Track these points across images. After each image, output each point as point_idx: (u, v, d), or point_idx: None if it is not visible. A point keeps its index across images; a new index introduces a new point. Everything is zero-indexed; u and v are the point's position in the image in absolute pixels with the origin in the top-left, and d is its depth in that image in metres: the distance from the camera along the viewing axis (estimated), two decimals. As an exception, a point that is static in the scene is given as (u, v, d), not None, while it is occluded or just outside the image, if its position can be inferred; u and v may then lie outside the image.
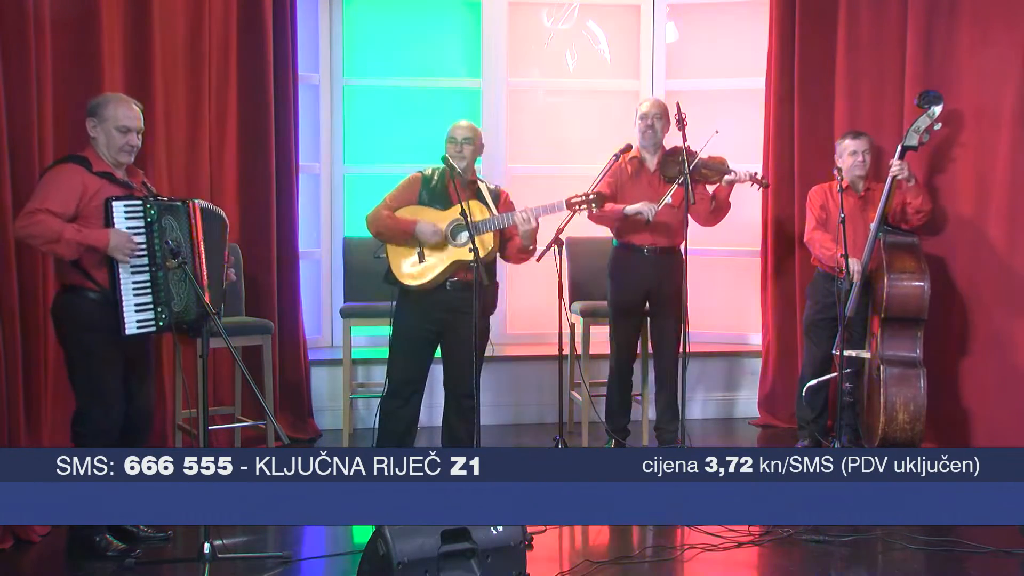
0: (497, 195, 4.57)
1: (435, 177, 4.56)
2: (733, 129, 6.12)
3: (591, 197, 4.60)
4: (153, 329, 3.76)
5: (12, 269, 3.92)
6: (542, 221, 4.52)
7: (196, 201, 3.93)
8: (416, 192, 4.55)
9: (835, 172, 5.08)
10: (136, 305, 3.70)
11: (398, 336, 4.54)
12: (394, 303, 4.56)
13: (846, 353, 4.96)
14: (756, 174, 5.11)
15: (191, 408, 4.93)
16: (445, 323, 4.48)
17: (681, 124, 4.92)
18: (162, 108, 4.88)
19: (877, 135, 5.44)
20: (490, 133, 6.36)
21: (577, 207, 4.62)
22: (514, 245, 4.59)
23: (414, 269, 4.45)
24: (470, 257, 4.30)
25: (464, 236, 4.40)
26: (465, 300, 4.43)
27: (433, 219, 4.46)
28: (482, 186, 4.52)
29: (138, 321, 3.71)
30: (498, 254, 4.60)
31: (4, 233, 3.89)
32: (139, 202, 3.72)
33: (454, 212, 4.44)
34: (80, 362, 3.77)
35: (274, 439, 4.95)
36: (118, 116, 3.76)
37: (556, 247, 4.91)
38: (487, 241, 4.41)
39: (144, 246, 3.71)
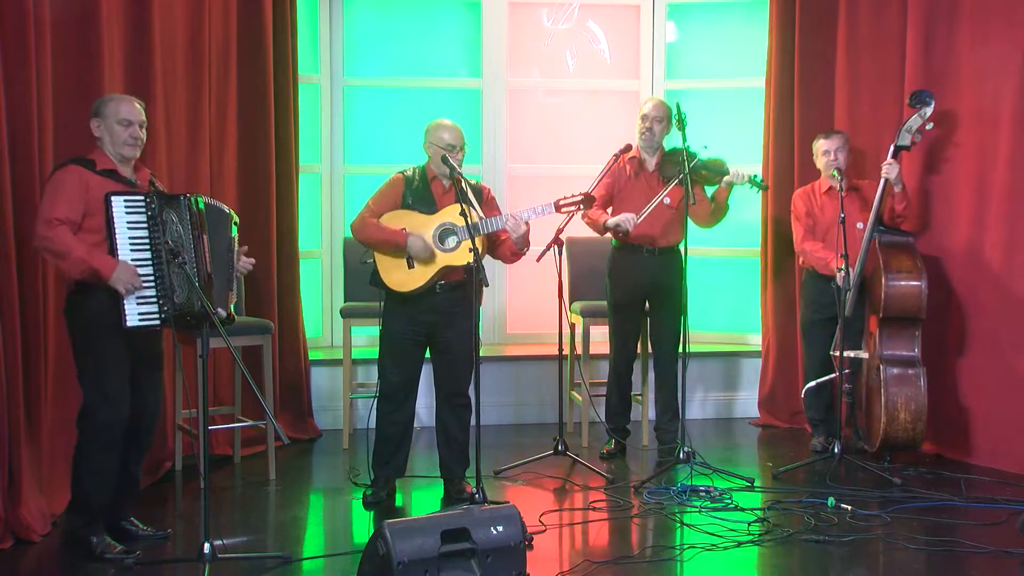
0: (479, 192, 4.50)
1: (416, 178, 4.51)
2: (733, 129, 6.13)
3: (580, 198, 4.58)
4: (156, 322, 3.77)
5: (12, 269, 3.92)
6: (538, 221, 4.52)
7: (199, 196, 3.94)
8: (399, 194, 4.48)
9: (835, 175, 5.09)
10: (139, 298, 3.72)
11: (388, 340, 4.51)
12: (382, 304, 4.54)
13: (844, 354, 4.96)
14: (755, 176, 5.10)
15: (191, 408, 4.93)
16: (434, 325, 4.47)
17: (681, 124, 4.92)
18: (162, 108, 4.88)
19: (877, 135, 5.45)
20: (490, 133, 6.37)
21: (567, 209, 4.59)
22: (507, 247, 4.55)
23: (403, 275, 4.41)
24: (460, 262, 4.31)
25: (452, 240, 4.39)
26: (454, 301, 4.43)
27: (420, 225, 4.40)
28: (465, 185, 4.42)
29: (140, 314, 3.73)
30: (489, 255, 4.58)
31: (4, 233, 3.89)
32: (140, 198, 3.76)
33: (441, 216, 4.42)
34: (87, 357, 3.79)
35: (274, 439, 4.94)
36: (119, 111, 3.84)
37: (556, 247, 4.91)
38: (476, 244, 4.35)
39: (147, 241, 3.74)
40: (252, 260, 4.26)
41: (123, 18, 4.66)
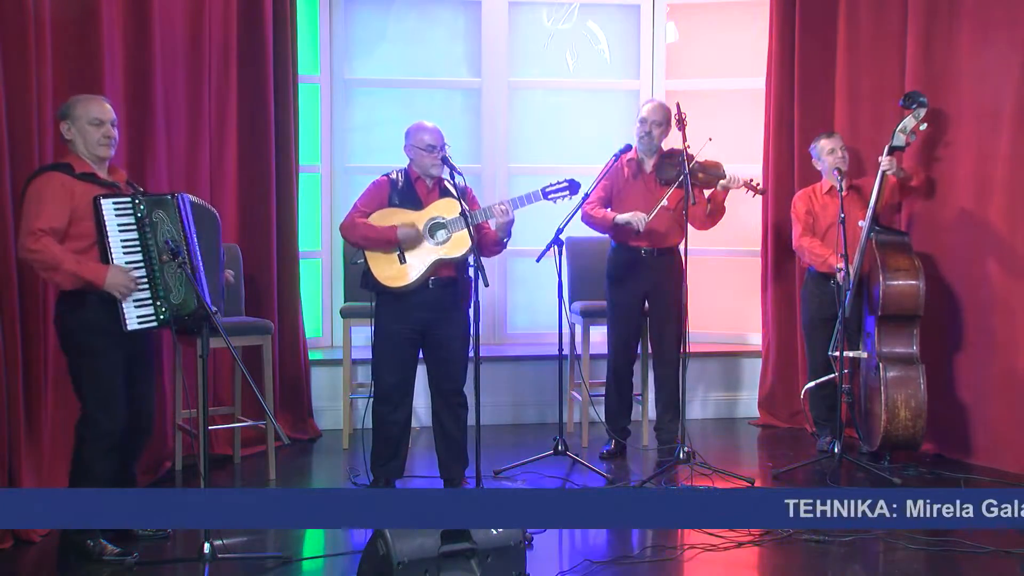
0: (463, 191, 4.50)
1: (400, 179, 4.54)
2: (733, 129, 6.12)
3: (566, 184, 4.57)
4: (154, 324, 3.77)
5: (12, 270, 3.92)
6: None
7: (184, 195, 3.94)
8: (386, 195, 4.51)
9: (835, 174, 5.08)
10: (135, 301, 3.71)
11: (382, 341, 4.51)
12: (374, 304, 4.54)
13: (843, 354, 4.96)
14: (752, 180, 5.07)
15: (191, 408, 4.92)
16: (428, 322, 4.47)
17: (681, 125, 4.92)
18: (162, 108, 4.88)
19: (877, 135, 5.44)
20: (490, 132, 6.37)
21: (554, 196, 4.58)
22: (489, 237, 4.57)
23: (396, 272, 4.42)
24: (452, 254, 4.34)
25: (443, 234, 4.41)
26: (446, 297, 4.44)
27: (410, 220, 4.43)
28: (447, 184, 4.46)
29: (139, 316, 3.73)
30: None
31: (3, 234, 3.89)
32: (127, 199, 3.74)
33: (428, 212, 4.44)
34: (87, 366, 3.76)
35: (274, 439, 4.94)
36: (90, 111, 3.78)
37: (556, 247, 4.91)
38: (464, 238, 4.37)
39: (138, 244, 3.73)
40: (232, 272, 4.29)
41: (123, 18, 4.67)
